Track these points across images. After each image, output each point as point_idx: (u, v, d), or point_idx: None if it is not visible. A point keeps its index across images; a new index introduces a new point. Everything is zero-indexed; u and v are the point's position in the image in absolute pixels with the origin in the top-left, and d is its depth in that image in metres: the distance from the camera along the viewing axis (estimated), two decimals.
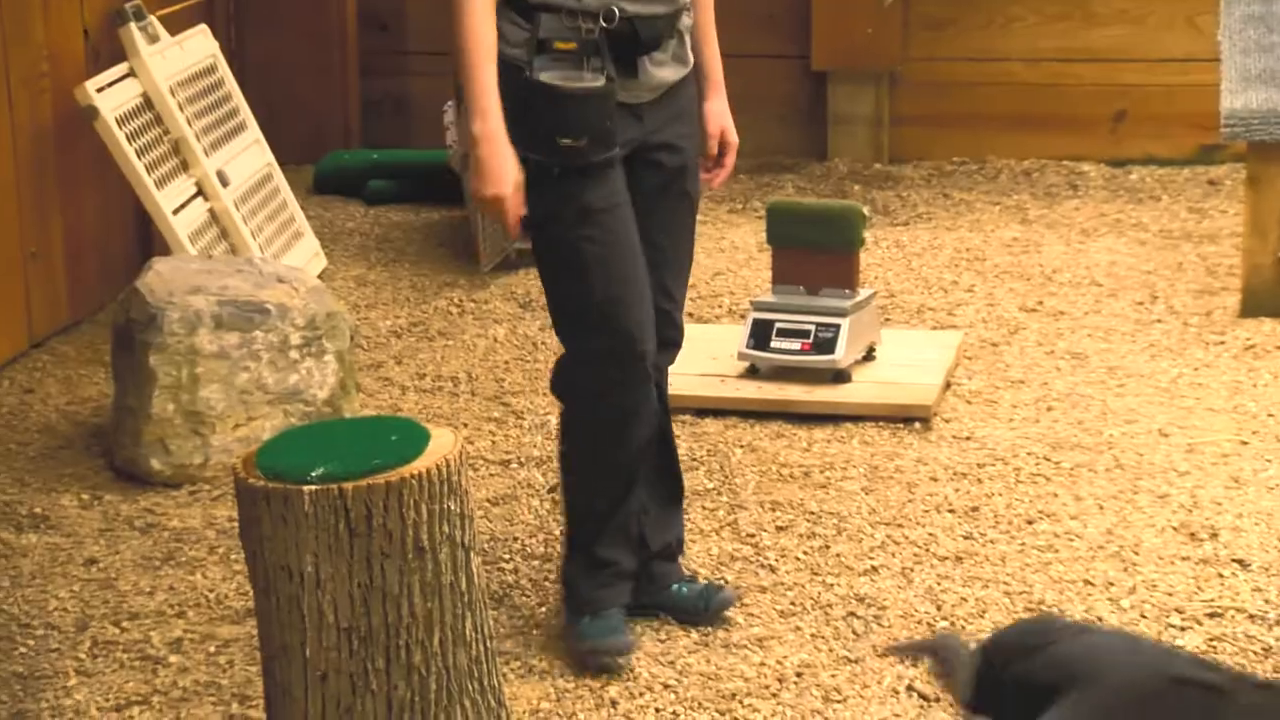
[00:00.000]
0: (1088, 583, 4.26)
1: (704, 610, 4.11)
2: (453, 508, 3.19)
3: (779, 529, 4.56)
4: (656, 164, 3.93)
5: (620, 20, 3.76)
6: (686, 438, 5.11)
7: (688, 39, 3.94)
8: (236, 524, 3.35)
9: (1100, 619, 4.09)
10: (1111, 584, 4.25)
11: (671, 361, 4.10)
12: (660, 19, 3.83)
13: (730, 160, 4.12)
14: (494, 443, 5.13)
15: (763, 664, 3.95)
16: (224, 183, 6.22)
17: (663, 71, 3.88)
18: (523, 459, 5.01)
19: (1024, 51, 7.71)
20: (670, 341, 4.06)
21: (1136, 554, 4.39)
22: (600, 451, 4.00)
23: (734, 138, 4.11)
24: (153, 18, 6.27)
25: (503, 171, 3.75)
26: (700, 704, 3.82)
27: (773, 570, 4.35)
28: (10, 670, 4.00)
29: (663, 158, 3.93)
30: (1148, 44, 7.67)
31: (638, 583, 4.11)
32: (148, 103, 6.09)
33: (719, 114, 4.09)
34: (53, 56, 6.01)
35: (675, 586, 4.15)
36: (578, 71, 3.74)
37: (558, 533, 4.54)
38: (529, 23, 3.78)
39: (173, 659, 4.03)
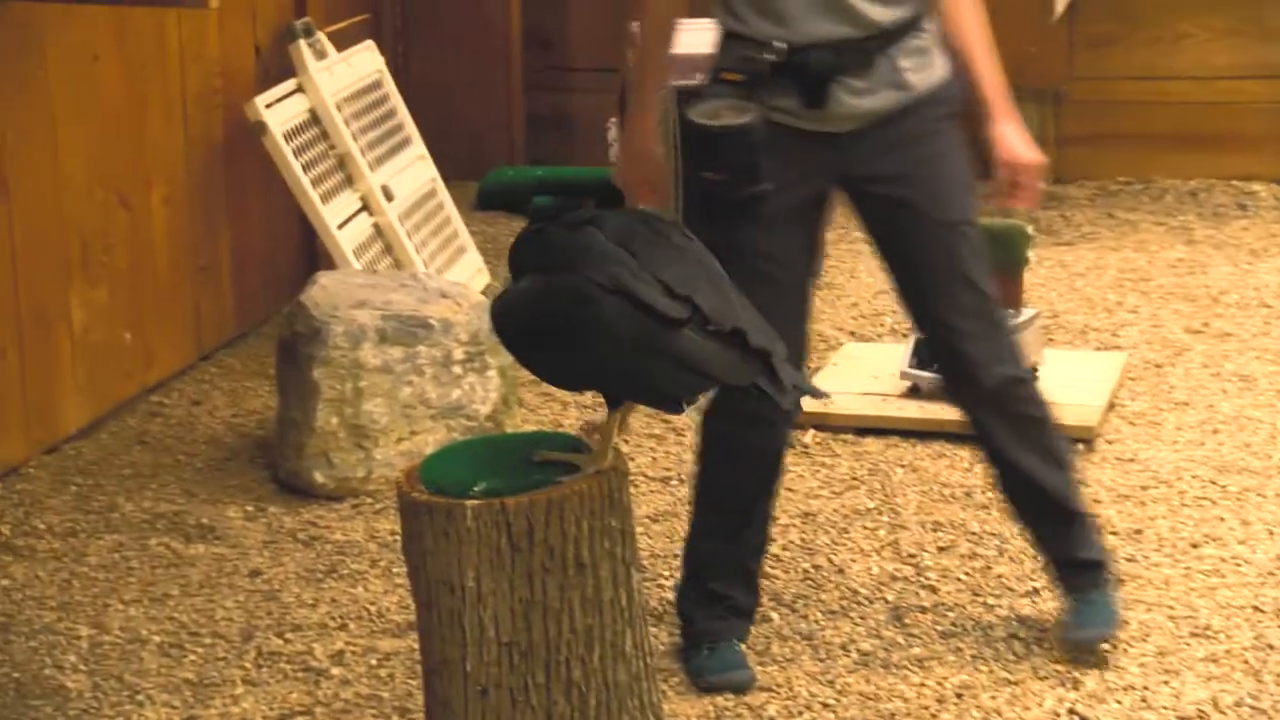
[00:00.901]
0: (1257, 609, 4.19)
1: (1072, 632, 4.02)
2: (614, 524, 3.19)
3: (940, 549, 4.54)
4: (879, 196, 3.81)
5: (792, 51, 3.67)
6: (848, 456, 5.10)
7: (906, 63, 3.74)
8: (398, 538, 3.38)
9: (1271, 646, 4.03)
10: None
11: (985, 403, 3.90)
12: (844, 46, 3.68)
13: (1028, 181, 3.83)
14: (654, 459, 5.14)
15: (922, 684, 3.93)
16: (389, 198, 6.27)
17: (863, 100, 3.73)
18: (683, 476, 5.01)
19: (1193, 69, 7.62)
20: (963, 377, 3.90)
21: None
22: (716, 482, 3.98)
23: (1025, 158, 3.83)
24: (321, 34, 6.35)
25: (634, 161, 3.89)
26: None
27: (934, 591, 4.33)
28: (181, 677, 4.06)
29: (881, 189, 3.80)
30: None
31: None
32: (314, 118, 6.15)
33: (1000, 139, 3.83)
34: (225, 73, 6.10)
35: (1073, 596, 4.05)
36: (743, 103, 3.68)
37: None
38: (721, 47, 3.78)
39: (335, 671, 4.06)
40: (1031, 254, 5.45)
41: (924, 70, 3.78)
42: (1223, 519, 4.67)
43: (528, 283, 3.16)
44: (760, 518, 4.03)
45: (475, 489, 3.16)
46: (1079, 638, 3.99)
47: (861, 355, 5.74)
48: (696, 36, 6.96)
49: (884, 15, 3.70)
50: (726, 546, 4.01)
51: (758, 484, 3.99)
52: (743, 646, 4.01)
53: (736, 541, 4.01)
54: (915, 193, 3.80)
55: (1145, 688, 3.89)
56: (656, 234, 3.18)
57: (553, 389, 5.63)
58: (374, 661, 4.10)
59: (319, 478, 4.94)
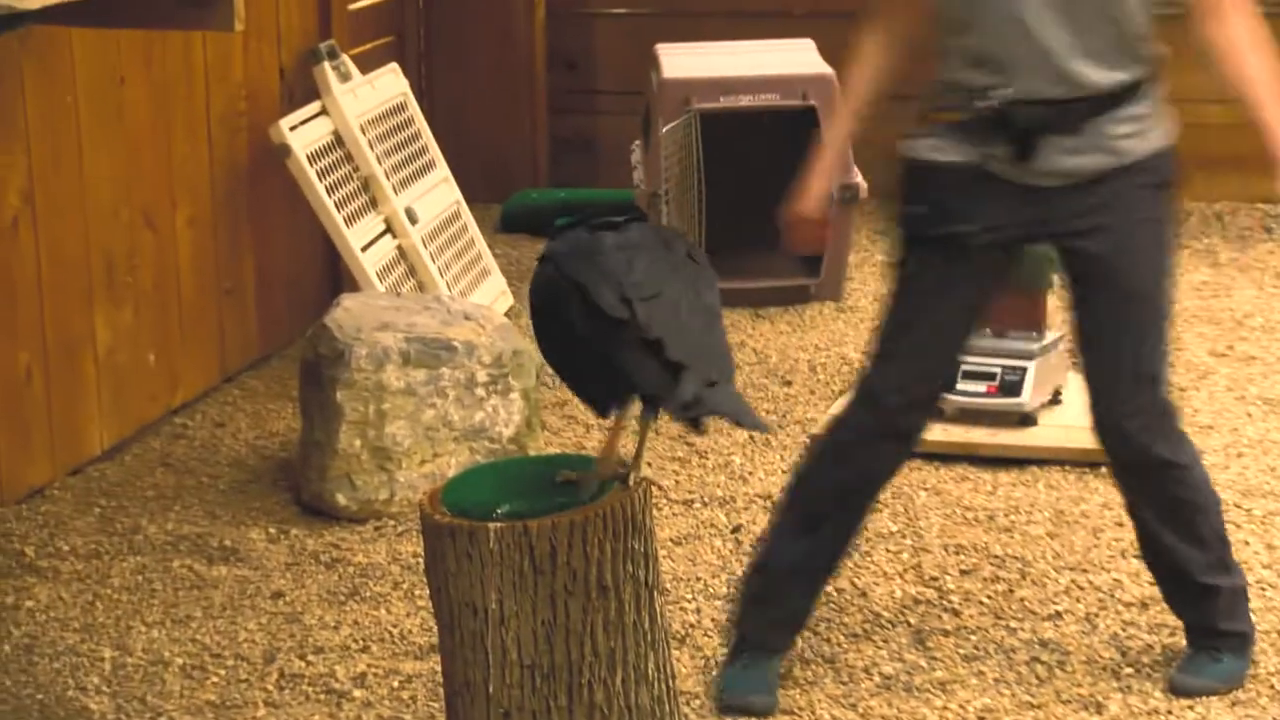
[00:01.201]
0: None
1: (1183, 677, 3.99)
2: (636, 546, 3.19)
3: (963, 572, 4.53)
4: (1074, 250, 3.81)
5: (1004, 103, 3.69)
6: None
7: (1121, 129, 3.74)
8: (421, 560, 3.38)
9: None
10: None
11: (1132, 475, 3.93)
12: (1055, 105, 3.69)
13: None
14: (677, 482, 5.14)
15: (945, 708, 3.92)
16: (412, 220, 6.28)
17: (1072, 160, 3.73)
18: (706, 499, 5.01)
19: (1219, 91, 7.58)
20: (1115, 447, 3.89)
21: None
22: (804, 483, 3.99)
23: None
24: (345, 56, 6.36)
25: (798, 197, 3.97)
26: None
27: (956, 614, 4.32)
28: (203, 699, 4.06)
29: (1076, 244, 3.80)
30: None
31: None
32: (338, 140, 6.16)
33: None
34: (250, 95, 6.12)
35: (1190, 652, 4.03)
36: (953, 144, 3.74)
37: (740, 573, 4.54)
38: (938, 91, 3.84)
39: (357, 693, 4.06)
40: (1056, 277, 5.44)
41: (1139, 137, 3.78)
42: (1247, 543, 4.65)
43: (536, 269, 3.29)
44: (837, 540, 4.00)
45: (498, 511, 3.16)
46: (1187, 684, 3.96)
47: None
48: (722, 60, 6.97)
49: (1104, 79, 3.71)
50: (794, 558, 4.00)
51: (849, 502, 3.98)
52: (779, 666, 4.00)
53: (806, 557, 3.99)
54: (1106, 254, 3.79)
55: (1170, 713, 3.88)
56: (662, 247, 3.23)
57: (575, 411, 5.64)
58: (396, 684, 4.10)
59: (342, 500, 4.94)
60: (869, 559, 4.61)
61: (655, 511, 3.35)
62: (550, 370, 3.34)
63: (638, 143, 7.00)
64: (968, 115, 3.72)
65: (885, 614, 4.33)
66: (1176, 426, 3.91)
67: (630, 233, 3.24)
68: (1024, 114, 3.69)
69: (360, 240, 6.01)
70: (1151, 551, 4.00)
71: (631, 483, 3.21)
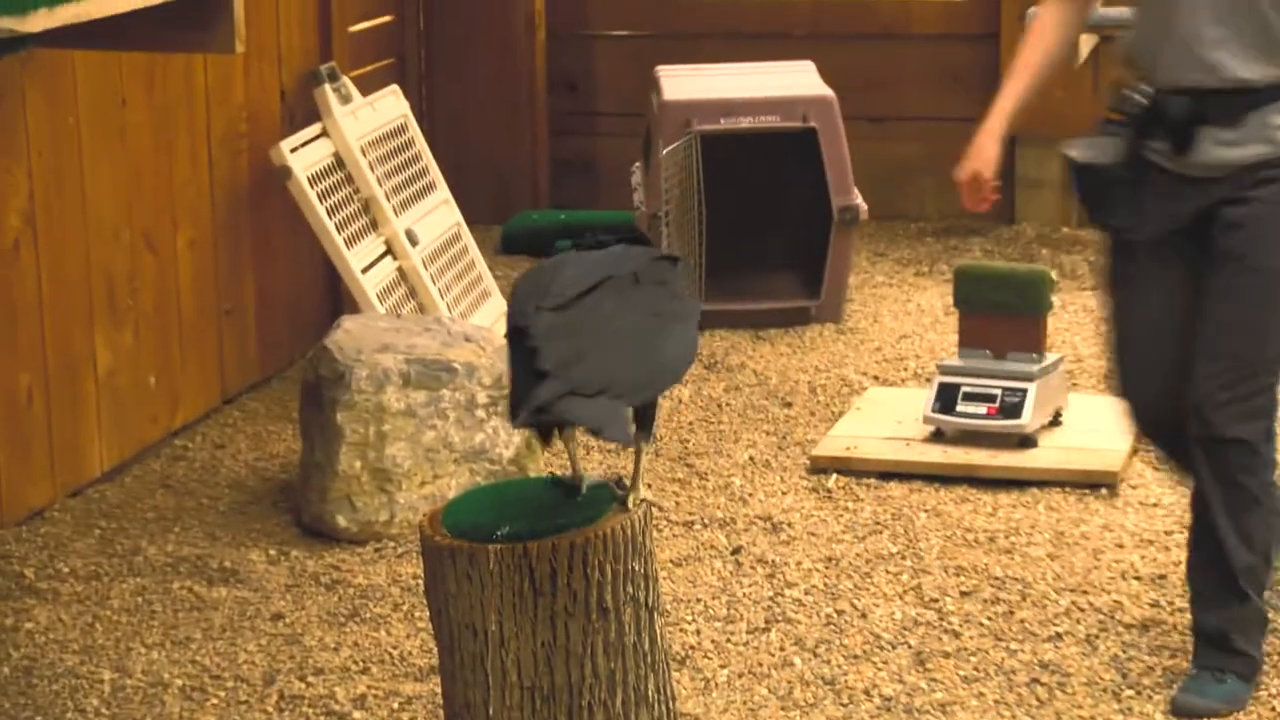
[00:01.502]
0: None
1: (1187, 697, 3.98)
2: (637, 568, 3.20)
3: (963, 594, 4.53)
4: (1220, 217, 3.84)
5: (1156, 95, 3.80)
6: (871, 501, 5.09)
7: None
8: (421, 581, 3.38)
9: None
10: None
11: (1202, 448, 3.91)
12: (1204, 95, 3.77)
13: None
14: (677, 504, 5.14)
15: None
16: (413, 242, 6.28)
17: (1230, 151, 3.80)
18: (706, 520, 5.01)
19: None
20: (1196, 411, 3.89)
21: None
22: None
23: None
24: (346, 78, 6.37)
25: (967, 157, 4.09)
26: None
27: (956, 635, 4.32)
28: None
29: (1223, 210, 3.84)
30: None
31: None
32: (339, 162, 6.17)
33: None
34: (251, 117, 6.12)
35: (1194, 672, 4.03)
36: (1110, 140, 3.84)
37: (740, 594, 4.54)
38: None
39: (357, 715, 4.06)
40: (1055, 298, 5.45)
41: None
42: None
43: None
44: (1205, 535, 4.01)
45: (498, 533, 3.17)
46: (1190, 705, 3.95)
47: (885, 400, 5.74)
48: (723, 82, 6.97)
49: (1255, 73, 3.76)
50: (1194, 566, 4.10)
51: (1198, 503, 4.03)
52: (1219, 679, 3.99)
53: (1199, 564, 4.07)
54: (1250, 224, 3.83)
55: None
56: (616, 264, 3.27)
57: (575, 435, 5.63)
58: (396, 705, 4.10)
59: (342, 521, 4.94)
60: (869, 580, 4.61)
61: (655, 533, 3.35)
62: None
63: (638, 164, 7.00)
64: (1127, 109, 3.84)
65: (885, 635, 4.33)
66: (1267, 415, 3.92)
67: (610, 251, 3.31)
68: (1174, 104, 3.78)
69: (361, 262, 6.01)
70: (1202, 544, 3.99)
71: (631, 504, 3.22)
